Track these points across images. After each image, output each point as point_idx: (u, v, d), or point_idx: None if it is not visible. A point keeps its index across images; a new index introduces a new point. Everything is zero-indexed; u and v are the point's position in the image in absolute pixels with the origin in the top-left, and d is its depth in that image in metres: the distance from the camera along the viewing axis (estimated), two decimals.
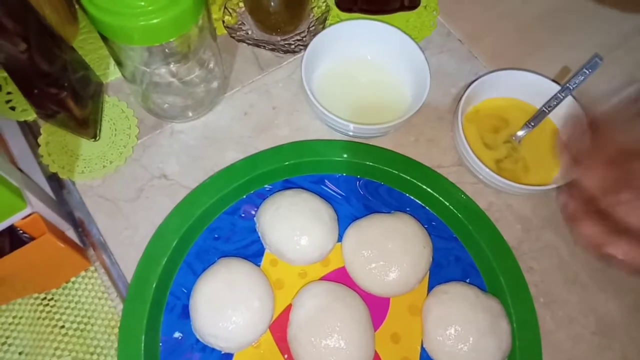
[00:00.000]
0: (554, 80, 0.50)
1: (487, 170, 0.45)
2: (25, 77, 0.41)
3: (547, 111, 0.49)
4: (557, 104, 0.49)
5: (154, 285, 0.42)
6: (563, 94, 0.48)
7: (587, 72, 0.48)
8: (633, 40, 0.59)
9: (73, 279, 0.46)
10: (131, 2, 0.36)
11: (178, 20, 0.38)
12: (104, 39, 0.40)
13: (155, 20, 0.37)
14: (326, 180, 0.49)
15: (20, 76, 0.41)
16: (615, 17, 0.61)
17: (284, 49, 0.54)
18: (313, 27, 0.55)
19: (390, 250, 0.43)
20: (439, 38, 0.57)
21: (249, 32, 0.54)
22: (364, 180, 0.49)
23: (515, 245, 0.47)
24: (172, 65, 0.44)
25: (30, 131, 0.50)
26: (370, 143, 0.50)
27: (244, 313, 0.40)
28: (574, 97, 0.49)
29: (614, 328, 0.45)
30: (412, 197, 0.48)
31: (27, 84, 0.42)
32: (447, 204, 0.47)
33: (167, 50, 0.42)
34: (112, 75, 0.52)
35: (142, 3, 0.36)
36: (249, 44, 0.54)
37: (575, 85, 0.48)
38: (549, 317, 0.45)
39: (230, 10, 0.54)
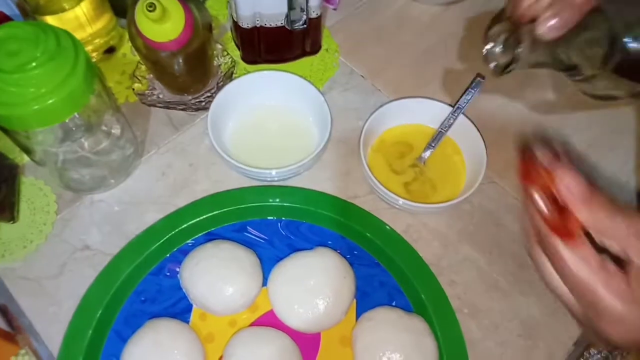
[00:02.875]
0: (448, 104, 0.54)
1: (394, 195, 0.48)
2: None
3: (444, 131, 0.52)
4: (452, 123, 0.52)
5: None
6: (455, 114, 0.52)
7: (473, 91, 0.52)
8: None
9: None
10: (22, 90, 0.38)
11: (72, 97, 0.40)
12: (5, 131, 0.42)
13: (50, 101, 0.38)
14: (248, 227, 0.50)
15: None
16: None
17: (195, 106, 0.56)
18: (222, 83, 0.57)
19: (313, 286, 0.45)
20: (343, 77, 0.61)
21: (161, 96, 0.56)
22: (285, 221, 0.51)
23: (436, 262, 0.49)
24: (79, 140, 0.46)
25: None
26: (288, 184, 0.52)
27: None
28: (465, 115, 0.52)
29: (538, 328, 0.47)
30: (332, 230, 0.50)
31: None
32: (364, 231, 0.49)
33: (69, 127, 0.44)
34: (26, 156, 0.53)
35: (32, 89, 0.38)
36: (160, 107, 0.56)
37: (465, 104, 0.52)
38: (475, 326, 0.47)
39: (140, 78, 0.57)
